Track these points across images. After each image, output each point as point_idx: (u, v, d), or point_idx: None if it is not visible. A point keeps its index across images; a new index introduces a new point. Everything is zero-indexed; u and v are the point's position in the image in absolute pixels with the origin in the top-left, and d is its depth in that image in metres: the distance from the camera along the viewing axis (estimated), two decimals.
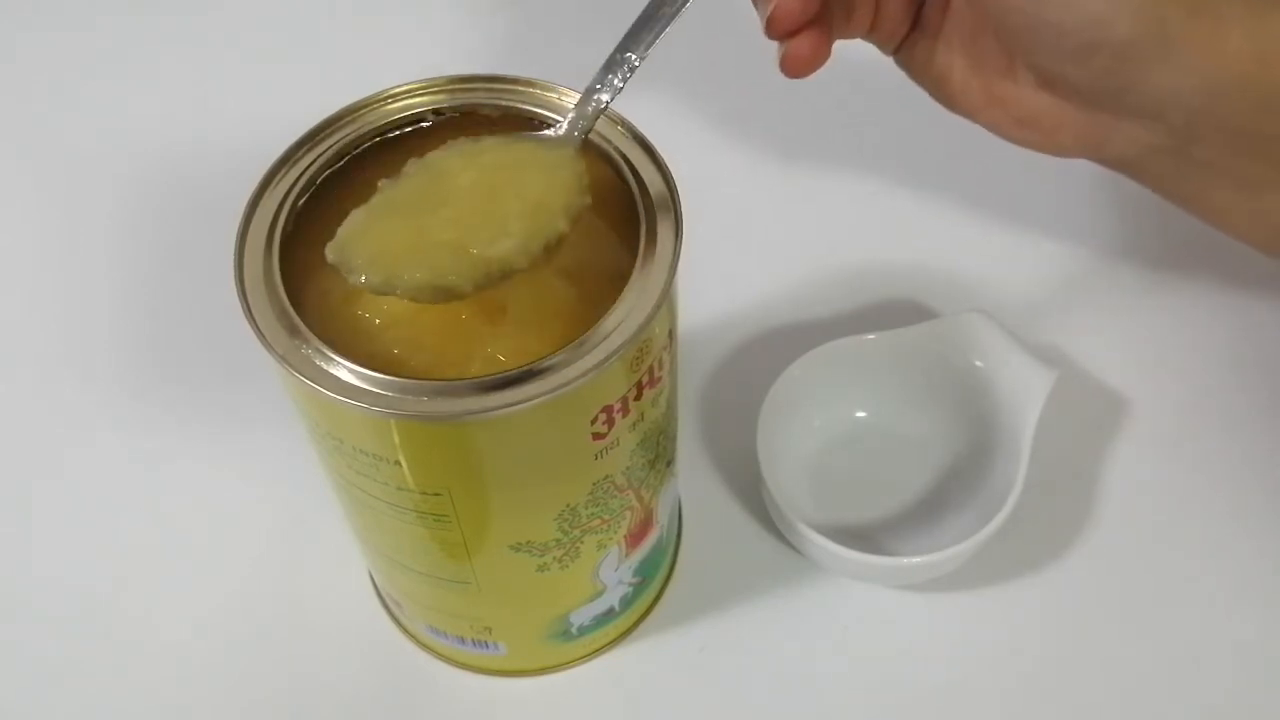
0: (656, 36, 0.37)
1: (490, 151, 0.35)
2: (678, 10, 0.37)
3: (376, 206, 0.34)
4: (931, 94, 0.43)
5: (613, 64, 0.36)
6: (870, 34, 0.42)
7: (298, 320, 0.33)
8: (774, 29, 0.39)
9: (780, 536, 0.47)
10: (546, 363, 0.32)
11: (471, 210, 0.34)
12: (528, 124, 0.37)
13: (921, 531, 0.47)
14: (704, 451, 0.50)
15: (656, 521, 0.42)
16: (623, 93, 0.36)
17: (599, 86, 0.36)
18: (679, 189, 0.35)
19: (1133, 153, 0.39)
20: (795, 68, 0.40)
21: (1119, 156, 0.40)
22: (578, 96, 0.37)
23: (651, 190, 0.35)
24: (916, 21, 0.42)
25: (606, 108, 0.36)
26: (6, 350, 0.55)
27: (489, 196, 0.34)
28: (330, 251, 0.33)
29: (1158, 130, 0.38)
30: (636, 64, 0.36)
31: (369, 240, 0.33)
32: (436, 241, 0.33)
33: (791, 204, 0.58)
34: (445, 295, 0.33)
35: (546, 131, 0.36)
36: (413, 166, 0.35)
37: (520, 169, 0.35)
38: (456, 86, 0.38)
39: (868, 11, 0.41)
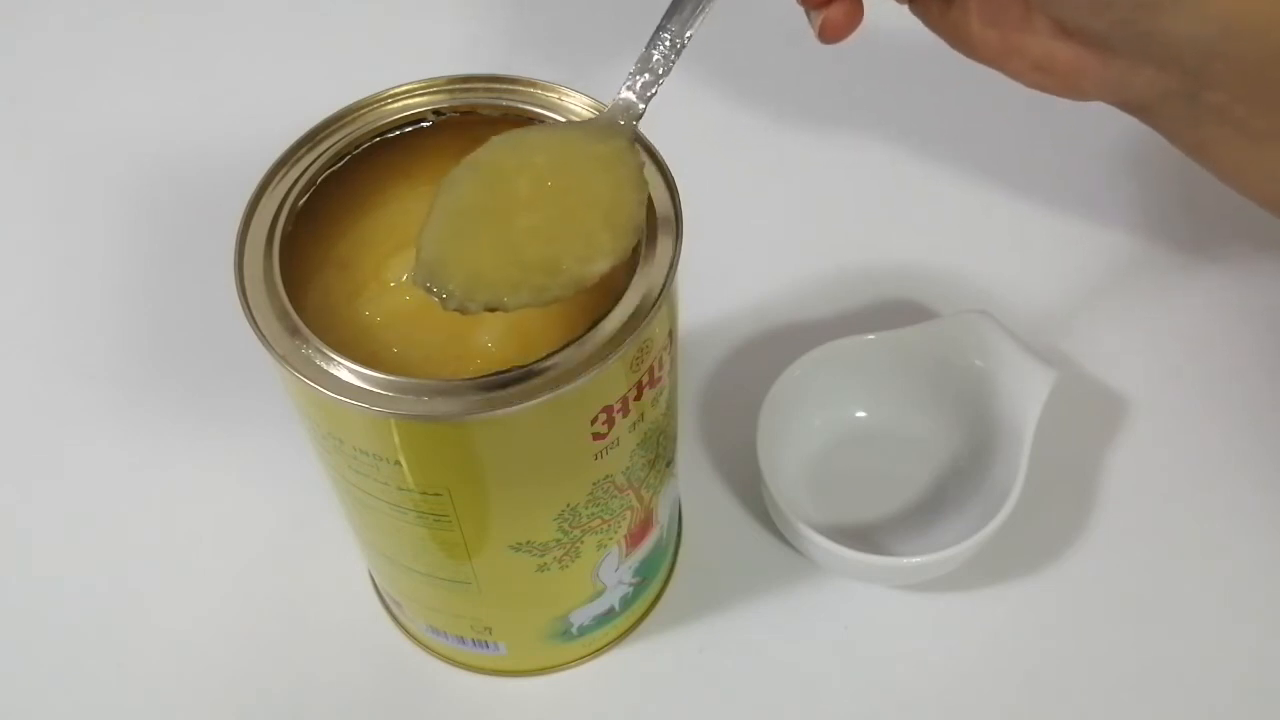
0: (702, 9, 0.35)
1: (542, 150, 0.34)
2: None
3: (444, 221, 0.33)
4: (948, 43, 0.43)
5: (656, 42, 0.35)
6: None
7: (298, 320, 0.33)
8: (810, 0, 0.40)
9: (780, 536, 0.47)
10: (546, 363, 0.32)
11: (550, 219, 0.33)
12: (528, 124, 0.37)
13: (922, 531, 0.47)
14: (704, 451, 0.50)
15: (656, 521, 0.42)
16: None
17: (645, 70, 0.35)
18: (679, 189, 0.35)
19: (1150, 97, 0.40)
20: (833, 33, 0.40)
21: (1136, 101, 0.40)
22: (578, 97, 0.37)
23: (652, 190, 0.35)
24: None
25: (655, 94, 0.35)
26: (6, 350, 0.54)
27: (561, 201, 0.33)
28: (419, 278, 0.32)
29: (1173, 74, 0.39)
30: (682, 43, 0.35)
31: (458, 263, 0.32)
32: (529, 261, 0.32)
33: (791, 204, 0.58)
34: (545, 305, 0.33)
35: (588, 119, 0.35)
36: (462, 170, 0.34)
37: (579, 167, 0.34)
38: (456, 86, 0.38)
39: None
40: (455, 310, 0.32)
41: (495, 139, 0.34)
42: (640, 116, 0.35)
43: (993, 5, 0.41)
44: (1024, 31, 0.40)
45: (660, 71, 0.35)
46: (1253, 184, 0.41)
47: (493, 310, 0.32)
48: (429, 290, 0.32)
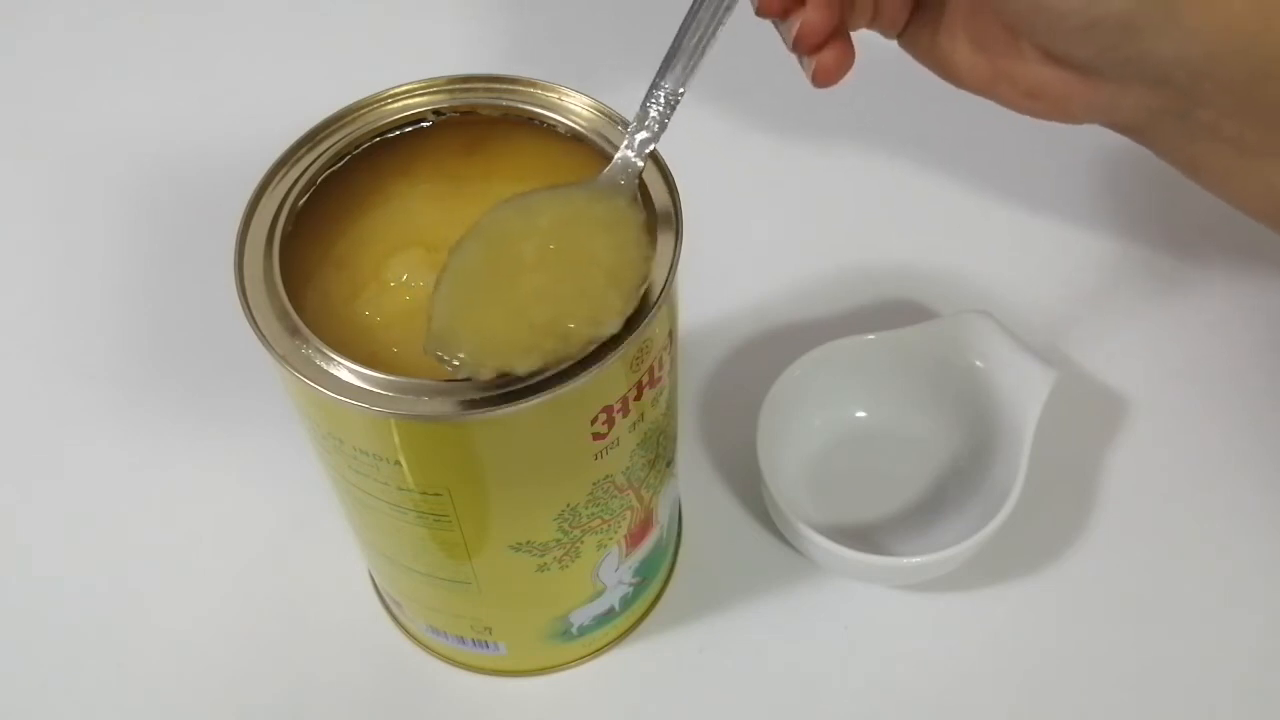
0: (695, 65, 0.36)
1: (545, 212, 0.34)
2: (713, 34, 0.36)
3: (452, 288, 0.33)
4: (938, 74, 0.43)
5: (651, 99, 0.36)
6: (873, 23, 0.42)
7: (298, 320, 0.33)
8: (802, 46, 0.40)
9: (780, 536, 0.47)
10: None
11: (557, 281, 0.33)
12: (528, 124, 0.37)
13: (922, 531, 0.47)
14: (704, 451, 0.50)
15: (656, 521, 0.42)
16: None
17: (641, 127, 0.35)
18: (679, 189, 0.35)
19: (1140, 117, 0.40)
20: (826, 78, 0.41)
21: (1126, 122, 0.41)
22: (578, 97, 0.37)
23: (652, 191, 0.35)
24: (917, 6, 0.42)
25: (653, 151, 0.35)
26: (6, 350, 0.55)
27: (567, 264, 0.33)
28: (430, 347, 0.32)
29: (1163, 94, 0.39)
30: (676, 100, 0.36)
31: (467, 331, 0.32)
32: (538, 324, 0.32)
33: (791, 204, 0.58)
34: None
35: (589, 180, 0.35)
36: (469, 237, 0.34)
37: (581, 230, 0.34)
38: (456, 86, 0.38)
39: (869, 3, 0.42)
40: (467, 379, 0.32)
41: (499, 204, 0.34)
42: (640, 173, 0.35)
43: (979, 34, 0.41)
44: (1011, 59, 0.40)
45: (656, 129, 0.35)
46: (1246, 198, 0.41)
47: (504, 376, 0.32)
48: (439, 359, 0.32)
